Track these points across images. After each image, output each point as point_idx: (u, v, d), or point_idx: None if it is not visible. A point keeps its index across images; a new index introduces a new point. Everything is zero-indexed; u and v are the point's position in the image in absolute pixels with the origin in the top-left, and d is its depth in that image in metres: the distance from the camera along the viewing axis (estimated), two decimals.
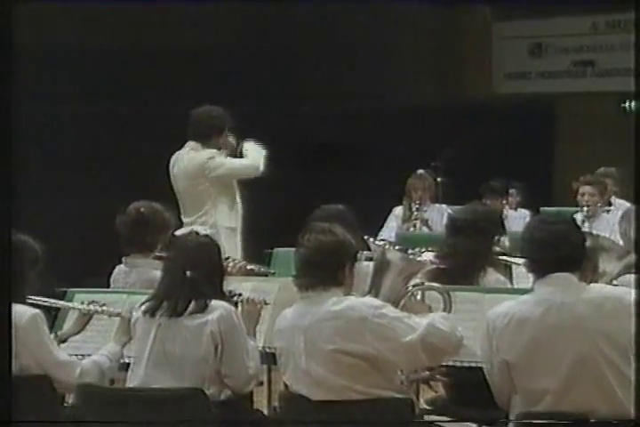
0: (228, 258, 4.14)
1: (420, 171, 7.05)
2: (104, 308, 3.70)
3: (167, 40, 7.72)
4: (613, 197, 6.96)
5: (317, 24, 8.52)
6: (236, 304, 3.61)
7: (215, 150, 5.50)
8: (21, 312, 3.51)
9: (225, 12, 7.84)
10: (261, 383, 4.00)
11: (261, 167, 5.51)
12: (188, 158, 5.54)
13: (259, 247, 5.21)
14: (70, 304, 3.78)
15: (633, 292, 3.25)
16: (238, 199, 5.61)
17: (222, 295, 3.55)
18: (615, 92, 10.29)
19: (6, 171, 2.55)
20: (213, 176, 5.46)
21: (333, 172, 7.78)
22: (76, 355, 3.69)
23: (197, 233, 3.67)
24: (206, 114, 5.52)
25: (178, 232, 3.87)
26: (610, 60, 10.26)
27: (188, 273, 3.48)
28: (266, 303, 3.72)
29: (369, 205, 5.57)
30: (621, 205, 6.24)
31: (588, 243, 3.48)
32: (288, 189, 5.82)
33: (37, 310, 3.57)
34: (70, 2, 6.38)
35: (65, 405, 3.70)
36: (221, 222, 5.41)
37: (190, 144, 5.54)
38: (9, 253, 2.58)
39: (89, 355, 3.67)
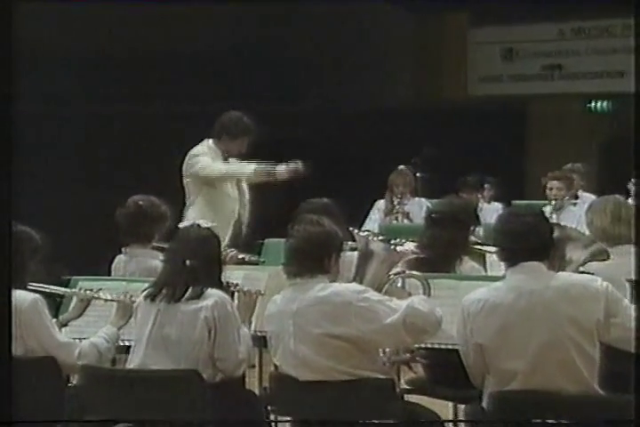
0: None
1: (401, 167, 7.04)
2: (99, 294, 3.68)
3: (164, 43, 7.64)
4: (580, 191, 6.97)
5: (305, 32, 8.50)
6: (232, 294, 3.57)
7: (206, 149, 5.40)
8: (23, 297, 3.50)
9: (222, 16, 7.79)
10: (253, 366, 3.99)
11: (224, 173, 5.31)
12: (193, 149, 5.48)
13: (251, 238, 5.19)
14: (68, 290, 3.76)
15: (599, 279, 3.26)
16: (231, 203, 5.45)
17: (220, 285, 3.52)
18: (581, 94, 10.35)
19: (6, 163, 2.49)
20: (190, 173, 5.39)
21: (321, 168, 7.75)
22: (79, 338, 3.64)
23: (199, 226, 3.63)
24: (228, 117, 5.46)
25: (181, 224, 3.85)
26: (576, 64, 10.30)
27: (188, 262, 3.45)
28: (261, 294, 3.68)
29: (353, 199, 5.54)
30: (587, 198, 6.24)
31: (556, 233, 3.48)
32: (279, 184, 5.79)
33: (38, 295, 3.55)
34: (70, 3, 6.25)
35: (69, 384, 3.67)
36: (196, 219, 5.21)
37: (205, 140, 5.49)
38: (9, 243, 2.54)
39: None
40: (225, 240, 5.05)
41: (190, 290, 3.43)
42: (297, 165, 5.29)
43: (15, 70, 2.52)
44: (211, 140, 5.48)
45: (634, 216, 3.34)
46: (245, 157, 5.51)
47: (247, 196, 5.56)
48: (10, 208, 2.49)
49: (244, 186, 5.56)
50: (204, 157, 5.37)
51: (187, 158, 5.43)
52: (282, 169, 5.29)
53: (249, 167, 5.37)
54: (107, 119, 7.27)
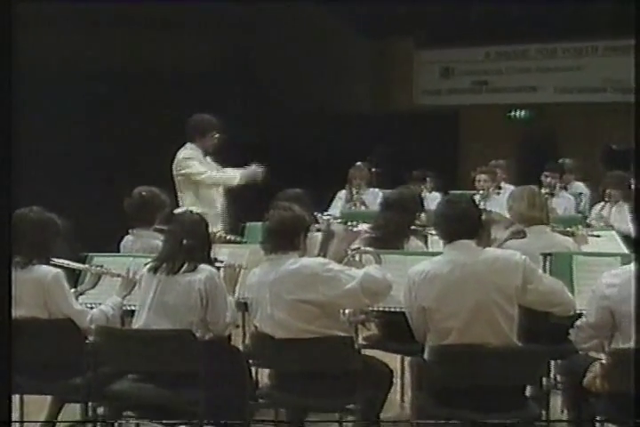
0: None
1: (359, 163, 6.97)
2: (106, 269, 3.62)
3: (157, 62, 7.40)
4: (503, 183, 6.94)
5: (285, 52, 8.41)
6: (218, 269, 3.49)
7: (192, 151, 5.20)
8: (47, 271, 3.42)
9: (208, 39, 7.63)
10: (238, 326, 3.93)
11: (216, 181, 5.13)
12: (178, 154, 5.28)
13: (236, 221, 5.11)
14: (82, 266, 3.67)
15: (518, 253, 3.21)
16: (218, 197, 5.22)
17: (209, 261, 3.45)
18: (502, 105, 10.41)
19: (7, 156, 2.36)
20: (180, 173, 5.21)
21: (293, 163, 7.68)
22: (95, 303, 3.56)
23: (191, 212, 3.57)
24: (193, 119, 5.25)
25: (176, 211, 3.77)
26: (499, 80, 10.36)
27: (184, 242, 3.37)
28: (244, 268, 3.61)
29: (320, 190, 5.47)
30: (508, 189, 6.21)
31: (483, 217, 3.44)
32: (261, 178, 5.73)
33: (59, 270, 3.46)
34: (69, 7, 5.93)
35: (87, 342, 3.58)
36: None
37: (187, 144, 5.30)
38: (9, 228, 2.43)
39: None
40: (217, 226, 4.97)
41: (186, 265, 3.36)
42: (259, 168, 5.22)
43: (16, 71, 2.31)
44: (189, 143, 5.28)
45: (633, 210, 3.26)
46: (235, 155, 5.39)
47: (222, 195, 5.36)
48: (10, 196, 2.37)
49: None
50: (195, 162, 5.19)
51: (177, 160, 5.22)
52: (258, 171, 5.23)
53: (234, 175, 5.21)
54: (116, 126, 7.06)
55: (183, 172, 5.20)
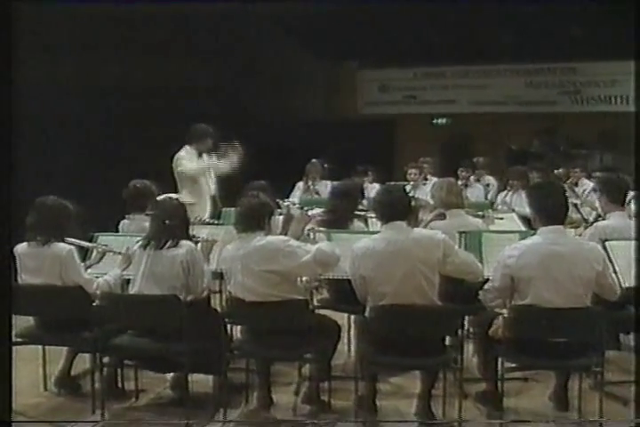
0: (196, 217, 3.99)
1: (314, 160, 6.92)
2: (109, 248, 3.55)
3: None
4: (429, 175, 6.95)
5: (257, 72, 8.27)
6: (196, 243, 3.43)
7: (186, 151, 5.20)
8: (62, 248, 3.34)
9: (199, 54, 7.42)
10: (217, 292, 3.86)
11: (195, 171, 5.12)
12: (177, 154, 5.23)
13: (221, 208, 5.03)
14: (91, 244, 3.58)
15: (439, 232, 3.18)
16: (206, 189, 5.21)
17: (188, 237, 3.37)
18: (428, 114, 10.47)
19: (7, 151, 2.22)
20: (177, 171, 5.20)
21: (262, 160, 7.55)
22: (100, 274, 3.46)
23: (171, 198, 3.51)
24: (193, 127, 5.25)
25: (159, 197, 3.71)
26: (424, 95, 10.46)
27: (167, 222, 3.29)
28: (215, 241, 3.54)
29: (282, 181, 5.38)
30: (433, 180, 6.20)
31: (413, 203, 3.41)
32: (236, 172, 5.63)
33: (72, 247, 3.38)
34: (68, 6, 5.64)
35: (94, 304, 3.46)
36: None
37: (184, 146, 5.27)
38: (9, 215, 2.31)
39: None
40: (206, 213, 4.94)
41: (169, 241, 3.28)
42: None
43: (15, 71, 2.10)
44: (187, 145, 5.29)
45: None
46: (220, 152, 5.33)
47: (215, 184, 5.34)
48: (10, 188, 2.24)
49: (214, 178, 5.35)
50: (185, 161, 5.20)
51: (174, 160, 5.23)
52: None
53: (206, 166, 5.23)
54: (117, 133, 6.83)
55: (178, 169, 5.21)
